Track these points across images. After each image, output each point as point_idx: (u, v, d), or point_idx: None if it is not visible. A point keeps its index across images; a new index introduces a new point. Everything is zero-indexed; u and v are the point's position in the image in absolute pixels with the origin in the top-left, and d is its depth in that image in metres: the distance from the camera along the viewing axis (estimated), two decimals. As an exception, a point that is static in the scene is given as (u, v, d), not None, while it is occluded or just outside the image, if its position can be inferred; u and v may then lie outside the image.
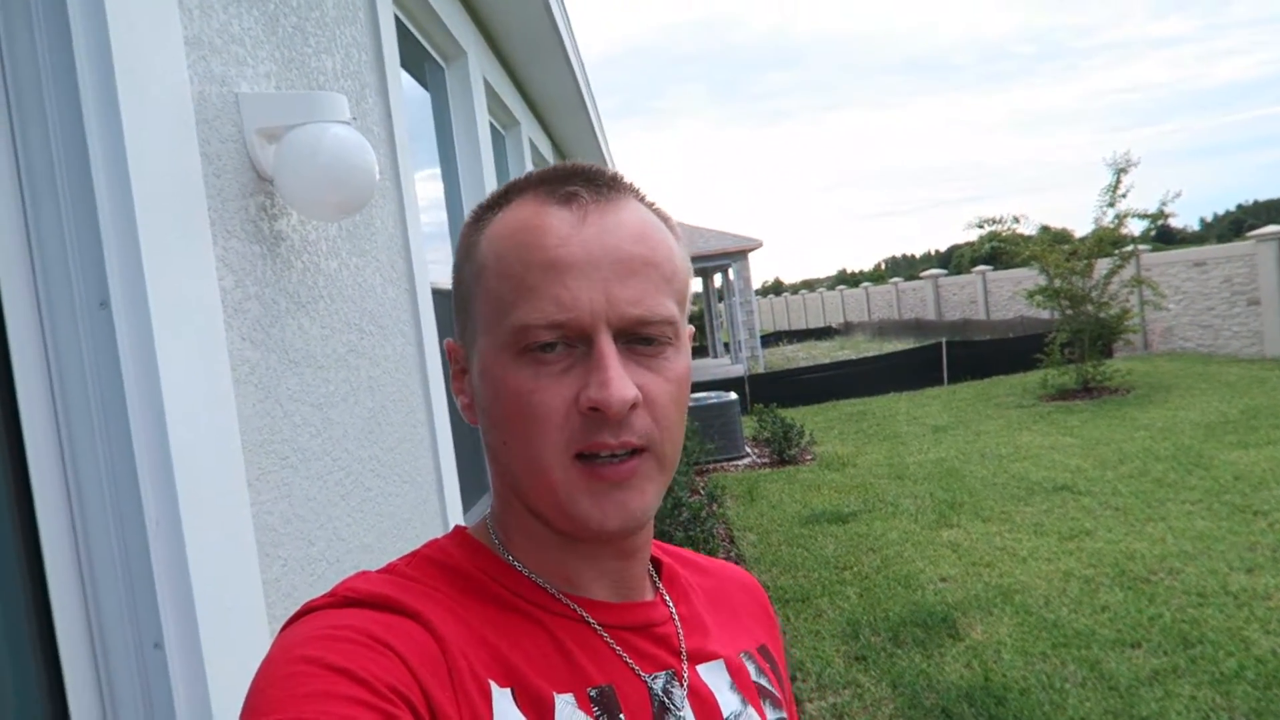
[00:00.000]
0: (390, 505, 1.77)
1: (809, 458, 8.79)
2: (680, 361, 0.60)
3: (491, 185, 3.39)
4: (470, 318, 0.61)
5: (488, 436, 0.61)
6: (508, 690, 0.54)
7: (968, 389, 12.71)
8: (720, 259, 18.23)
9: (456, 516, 2.19)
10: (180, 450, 1.03)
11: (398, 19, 2.52)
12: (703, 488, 7.40)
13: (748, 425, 10.10)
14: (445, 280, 2.76)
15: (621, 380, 0.54)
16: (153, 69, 1.09)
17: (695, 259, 16.63)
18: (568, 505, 0.57)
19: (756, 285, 20.29)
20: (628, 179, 0.62)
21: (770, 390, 12.42)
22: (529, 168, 4.52)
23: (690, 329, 0.67)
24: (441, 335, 2.33)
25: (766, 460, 8.89)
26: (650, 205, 0.63)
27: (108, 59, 1.01)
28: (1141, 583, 4.47)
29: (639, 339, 0.57)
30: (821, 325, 31.97)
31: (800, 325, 35.66)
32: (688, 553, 0.77)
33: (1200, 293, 13.16)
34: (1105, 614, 4.13)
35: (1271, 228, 11.84)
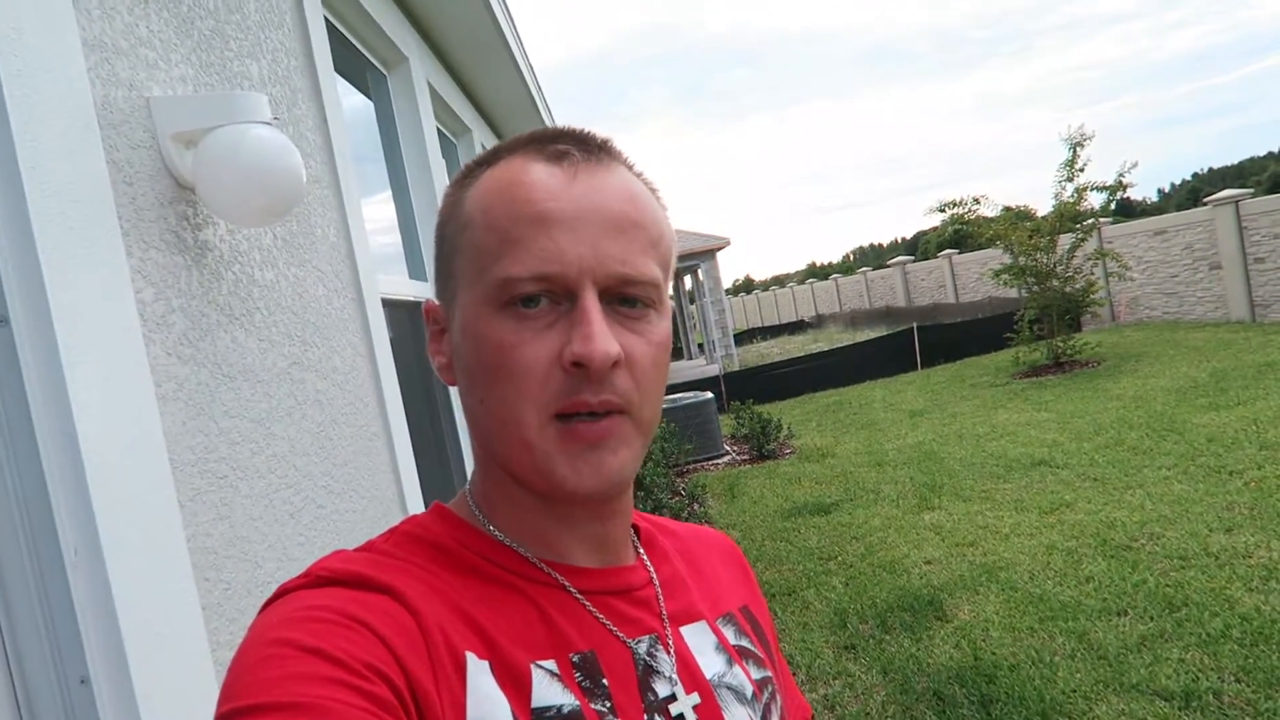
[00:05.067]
0: (347, 522, 1.70)
1: (788, 451, 8.78)
2: (662, 326, 0.59)
3: (443, 194, 3.33)
4: (452, 275, 0.60)
5: (466, 397, 0.60)
6: (485, 663, 0.53)
7: (941, 372, 12.78)
8: (689, 260, 18.23)
9: (421, 530, 2.12)
10: (97, 473, 0.97)
11: (331, 24, 2.45)
12: (683, 488, 7.36)
13: (725, 423, 10.08)
14: (396, 291, 2.69)
15: (605, 336, 0.54)
16: (46, 72, 1.03)
17: (663, 261, 16.58)
18: (544, 466, 0.56)
19: (727, 284, 20.35)
20: (618, 147, 0.61)
21: (746, 387, 12.42)
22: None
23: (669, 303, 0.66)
24: (395, 346, 2.26)
25: (746, 457, 8.86)
26: (639, 176, 0.62)
27: (-7, 62, 0.94)
28: (1124, 550, 4.48)
29: (622, 299, 0.57)
30: (794, 320, 32.09)
31: (773, 321, 35.77)
32: (666, 520, 0.77)
33: (1163, 261, 13.34)
34: (1090, 584, 4.13)
35: (1228, 192, 12.03)
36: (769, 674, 0.69)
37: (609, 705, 0.56)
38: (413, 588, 0.53)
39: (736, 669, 0.65)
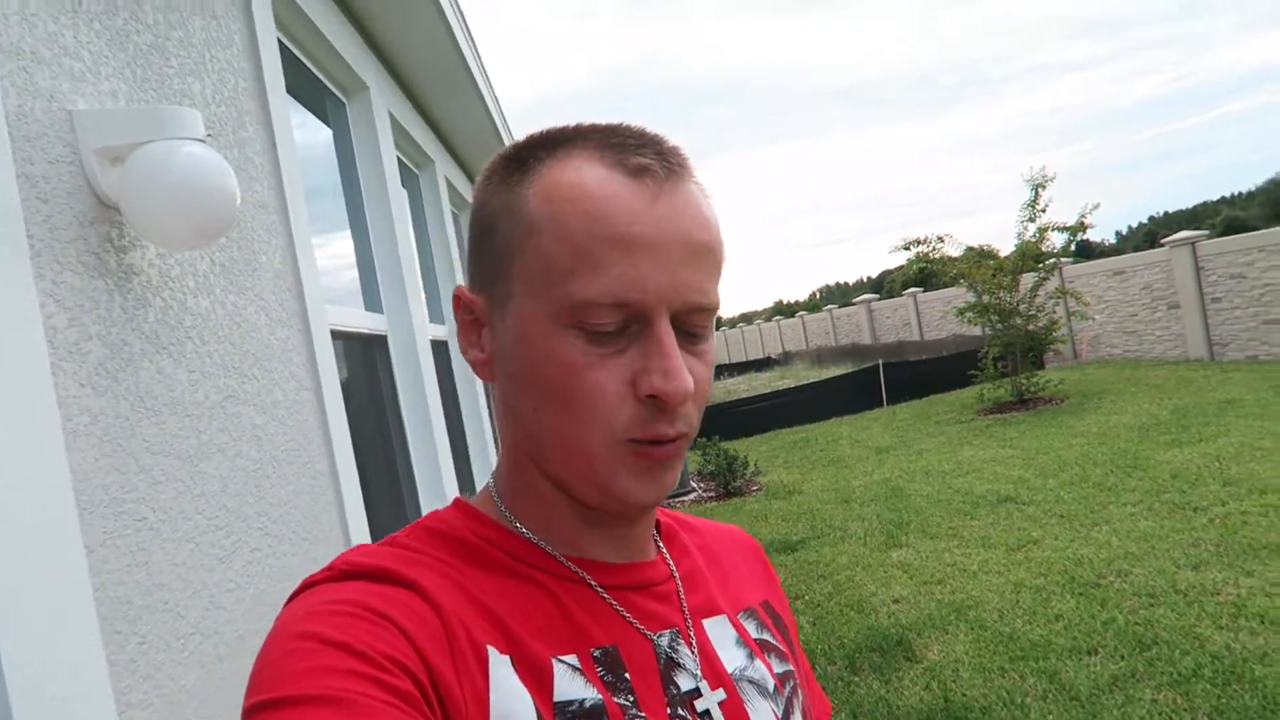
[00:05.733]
0: (285, 566, 1.60)
1: (755, 488, 8.70)
2: (712, 345, 0.60)
3: (404, 225, 3.25)
4: (505, 274, 0.58)
5: (513, 400, 0.59)
6: (506, 657, 0.53)
7: (907, 409, 12.82)
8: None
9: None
10: (-15, 515, 0.87)
11: (286, 48, 2.39)
12: (650, 526, 7.25)
13: (692, 460, 9.98)
14: (349, 322, 2.60)
15: (683, 371, 0.54)
16: (-53, 76, 0.94)
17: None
18: (607, 481, 0.56)
19: (694, 320, 20.26)
20: (686, 153, 0.59)
21: (713, 424, 12.34)
22: (445, 206, 4.39)
23: None
24: (345, 378, 2.17)
25: (712, 494, 8.77)
26: (698, 182, 0.60)
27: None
28: (1092, 588, 4.44)
29: (689, 325, 0.56)
30: (761, 356, 32.21)
31: (740, 358, 35.87)
32: (687, 515, 0.77)
33: (1122, 300, 13.57)
34: (1059, 622, 4.08)
35: (1185, 234, 12.29)
36: (791, 667, 0.68)
37: (632, 699, 0.55)
38: (434, 582, 0.53)
39: (758, 662, 0.65)
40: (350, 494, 2.00)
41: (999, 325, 10.99)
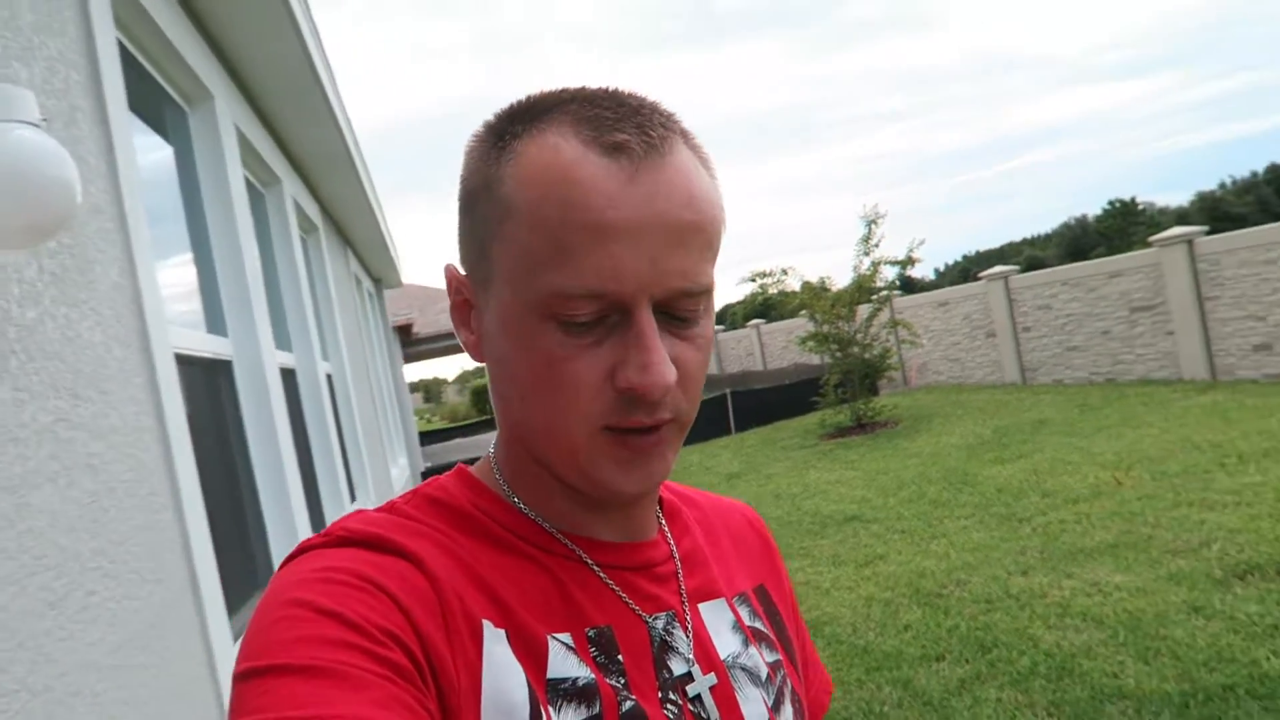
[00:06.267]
0: (126, 610, 1.43)
1: (613, 516, 8.70)
2: (709, 325, 0.57)
3: (250, 245, 3.04)
4: (486, 256, 0.56)
5: (501, 385, 0.58)
6: (501, 632, 0.52)
7: (754, 435, 13.24)
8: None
9: (218, 617, 1.83)
10: None
11: (123, 46, 2.19)
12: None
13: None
14: (192, 345, 2.40)
15: (662, 363, 0.51)
16: None
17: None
18: (590, 470, 0.55)
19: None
20: (675, 116, 0.56)
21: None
22: (293, 229, 4.16)
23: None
24: (188, 403, 1.99)
25: (571, 524, 8.69)
26: (695, 148, 0.56)
27: None
28: (935, 598, 4.69)
29: (676, 310, 0.54)
30: (612, 387, 32.45)
31: (591, 389, 35.98)
32: (688, 488, 0.76)
33: (946, 330, 14.61)
34: (908, 632, 4.27)
35: (998, 268, 13.43)
36: (779, 657, 0.68)
37: (624, 681, 0.55)
38: (431, 553, 0.53)
39: (752, 649, 0.65)
40: (196, 531, 1.82)
41: (838, 354, 11.58)
